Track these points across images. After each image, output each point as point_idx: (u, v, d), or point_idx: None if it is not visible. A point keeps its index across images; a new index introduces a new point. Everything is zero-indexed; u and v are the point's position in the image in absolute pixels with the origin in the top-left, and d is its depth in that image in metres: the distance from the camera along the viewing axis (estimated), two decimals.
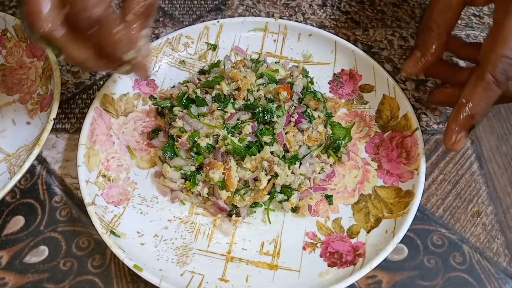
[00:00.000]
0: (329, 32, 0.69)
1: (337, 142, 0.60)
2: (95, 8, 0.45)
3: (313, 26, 0.74)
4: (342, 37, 0.68)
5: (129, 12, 0.49)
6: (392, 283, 0.54)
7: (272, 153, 0.56)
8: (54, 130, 0.65)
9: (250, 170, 0.56)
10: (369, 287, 0.54)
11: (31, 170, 0.61)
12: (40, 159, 0.62)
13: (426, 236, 0.58)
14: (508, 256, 0.57)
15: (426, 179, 0.56)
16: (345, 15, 0.79)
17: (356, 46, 0.67)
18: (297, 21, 0.76)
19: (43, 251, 0.55)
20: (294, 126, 0.59)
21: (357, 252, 0.54)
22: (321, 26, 0.77)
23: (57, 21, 0.45)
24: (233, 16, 0.78)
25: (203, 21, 0.74)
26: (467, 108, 0.50)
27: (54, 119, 0.58)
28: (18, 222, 0.57)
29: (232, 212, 0.56)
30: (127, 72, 0.52)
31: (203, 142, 0.57)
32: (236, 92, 0.61)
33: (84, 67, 0.51)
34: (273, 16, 0.76)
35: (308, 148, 0.59)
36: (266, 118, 0.58)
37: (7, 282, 0.53)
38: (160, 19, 0.78)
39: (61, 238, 0.56)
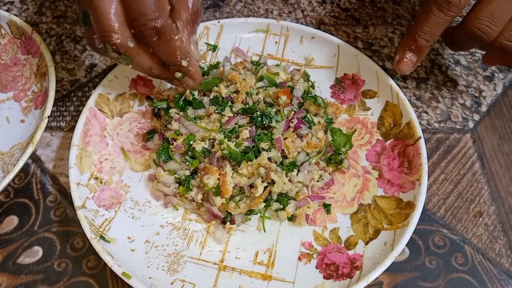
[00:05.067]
0: (329, 29, 0.66)
1: (340, 156, 0.58)
2: (157, 20, 0.48)
3: (313, 23, 0.72)
4: (342, 35, 0.65)
5: (177, 20, 0.53)
6: (393, 285, 0.53)
7: (269, 159, 0.55)
8: (48, 128, 0.64)
9: (246, 176, 0.55)
10: None
11: (25, 169, 0.60)
12: (34, 157, 0.61)
13: (427, 237, 0.57)
14: (511, 257, 0.55)
15: (427, 179, 0.55)
16: (345, 12, 0.77)
17: (356, 43, 0.65)
18: (296, 18, 0.74)
19: (37, 252, 0.54)
20: (293, 131, 0.57)
21: (354, 265, 0.52)
22: (321, 23, 0.75)
23: (128, 34, 0.50)
24: (232, 13, 0.76)
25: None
26: (411, 29, 0.57)
27: (48, 117, 0.58)
28: (11, 222, 0.56)
29: (226, 219, 0.55)
30: (180, 79, 0.55)
31: (199, 146, 0.55)
32: (235, 95, 0.59)
33: (151, 74, 0.55)
34: (272, 13, 0.74)
35: (307, 154, 0.57)
36: (264, 122, 0.57)
37: (0, 284, 0.52)
38: None
39: (56, 239, 0.55)
